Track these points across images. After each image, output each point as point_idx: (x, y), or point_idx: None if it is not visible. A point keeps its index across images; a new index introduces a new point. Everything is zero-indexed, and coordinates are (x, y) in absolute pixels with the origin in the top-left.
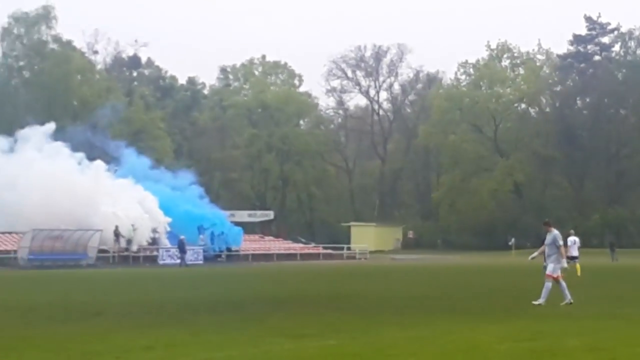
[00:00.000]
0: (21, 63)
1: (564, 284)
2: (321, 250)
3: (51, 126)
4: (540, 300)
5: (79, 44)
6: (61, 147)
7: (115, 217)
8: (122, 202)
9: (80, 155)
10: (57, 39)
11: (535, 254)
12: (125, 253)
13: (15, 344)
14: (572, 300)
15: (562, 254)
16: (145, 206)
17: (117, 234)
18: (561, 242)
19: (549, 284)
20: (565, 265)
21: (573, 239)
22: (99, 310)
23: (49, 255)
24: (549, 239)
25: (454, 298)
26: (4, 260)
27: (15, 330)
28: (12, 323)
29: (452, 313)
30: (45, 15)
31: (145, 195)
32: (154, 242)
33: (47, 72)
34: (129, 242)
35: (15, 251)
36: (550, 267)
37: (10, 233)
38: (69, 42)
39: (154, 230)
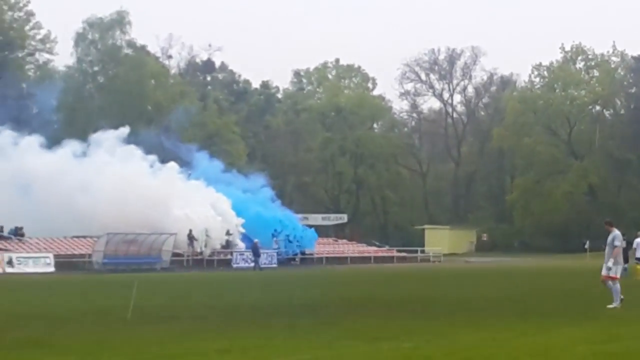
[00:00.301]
0: (95, 68)
1: (618, 286)
2: (395, 253)
3: (124, 130)
4: (615, 304)
5: (153, 48)
6: (134, 150)
7: (188, 219)
8: (194, 204)
9: (153, 158)
10: (131, 44)
11: (610, 262)
12: (200, 257)
13: (91, 348)
14: (619, 305)
15: (614, 253)
16: (218, 208)
17: (191, 237)
18: (618, 243)
19: (616, 286)
20: (611, 265)
21: (639, 240)
22: (174, 314)
23: (123, 259)
24: (609, 239)
25: (528, 300)
26: (78, 264)
27: (91, 334)
28: (88, 327)
29: (526, 315)
30: (120, 21)
31: (218, 197)
32: (228, 245)
33: (121, 77)
34: (206, 245)
35: (89, 255)
36: (614, 268)
37: (84, 237)
38: (143, 47)
39: (228, 233)
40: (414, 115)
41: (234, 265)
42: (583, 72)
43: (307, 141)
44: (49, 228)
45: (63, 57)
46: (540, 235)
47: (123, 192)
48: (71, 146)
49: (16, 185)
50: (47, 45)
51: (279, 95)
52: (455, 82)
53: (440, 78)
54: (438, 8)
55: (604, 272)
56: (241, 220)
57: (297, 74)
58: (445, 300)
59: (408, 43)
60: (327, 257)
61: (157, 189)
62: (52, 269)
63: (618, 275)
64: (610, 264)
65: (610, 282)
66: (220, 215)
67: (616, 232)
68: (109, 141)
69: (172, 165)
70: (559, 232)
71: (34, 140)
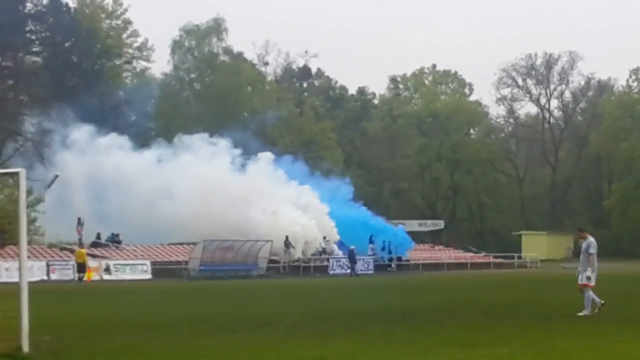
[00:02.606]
0: (192, 75)
1: (590, 294)
2: (492, 260)
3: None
4: (585, 311)
5: (250, 55)
6: (220, 143)
7: (277, 224)
8: (279, 200)
9: (237, 152)
10: (227, 50)
11: (588, 272)
12: (296, 263)
13: (187, 354)
14: (589, 313)
15: (590, 261)
16: (303, 202)
17: (287, 244)
18: (592, 250)
19: (588, 294)
20: (589, 274)
21: None
22: (270, 321)
23: (219, 266)
24: (583, 246)
25: (626, 307)
26: (175, 271)
27: (186, 340)
28: (183, 333)
29: (624, 322)
30: (216, 28)
31: (302, 190)
32: (324, 251)
33: (218, 84)
34: (303, 252)
35: (186, 262)
36: (581, 276)
37: (181, 244)
38: (239, 54)
39: (325, 240)
40: (511, 120)
41: (331, 272)
42: None
43: (404, 147)
44: (130, 234)
45: (160, 65)
46: (638, 240)
47: (206, 191)
48: (157, 148)
49: (95, 185)
50: (144, 53)
51: (376, 101)
52: (552, 87)
53: (537, 83)
54: (534, 13)
55: (582, 281)
56: (332, 224)
57: (393, 79)
58: (541, 307)
59: (504, 48)
60: (423, 264)
61: (240, 186)
62: (149, 276)
63: (593, 284)
64: (588, 272)
65: (588, 291)
66: (307, 207)
67: (591, 239)
68: (197, 143)
69: (266, 155)
70: None
71: (115, 140)
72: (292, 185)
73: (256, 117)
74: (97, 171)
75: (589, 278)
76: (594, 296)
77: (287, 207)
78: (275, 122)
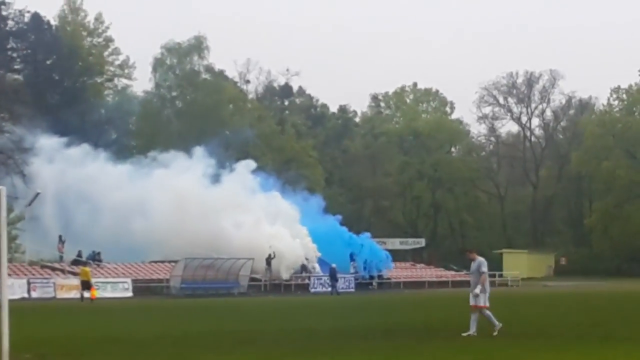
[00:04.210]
0: (173, 93)
1: (476, 315)
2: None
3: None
4: (471, 331)
5: (231, 73)
6: (192, 160)
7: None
8: (256, 215)
9: (211, 162)
10: (209, 68)
11: (477, 290)
12: (277, 281)
13: None
14: (475, 333)
15: (481, 280)
16: (285, 218)
17: (269, 262)
18: (484, 269)
19: (487, 312)
20: (477, 291)
21: None
22: (251, 338)
23: (201, 283)
24: (473, 267)
25: (608, 325)
26: (156, 289)
27: (169, 358)
28: (166, 350)
29: (606, 340)
30: (198, 46)
31: (283, 205)
32: (304, 269)
33: (199, 102)
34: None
35: (167, 280)
36: (481, 296)
37: (162, 262)
38: (221, 72)
39: (307, 260)
40: (492, 139)
41: (312, 290)
42: None
43: (385, 165)
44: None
45: (141, 83)
46: (619, 259)
47: (181, 206)
48: (131, 163)
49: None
50: (126, 71)
51: (357, 120)
52: (533, 105)
53: (518, 102)
54: (516, 31)
55: (472, 302)
56: (313, 245)
57: (374, 98)
58: (524, 325)
59: (486, 67)
60: (404, 282)
61: (215, 197)
62: (130, 293)
63: (488, 304)
64: (477, 290)
65: (483, 311)
66: (286, 224)
67: (481, 259)
68: (171, 158)
69: (247, 163)
70: (638, 257)
71: (85, 150)
72: (266, 196)
73: (237, 134)
74: (64, 183)
75: (477, 296)
76: (492, 318)
77: (265, 223)
78: (256, 140)
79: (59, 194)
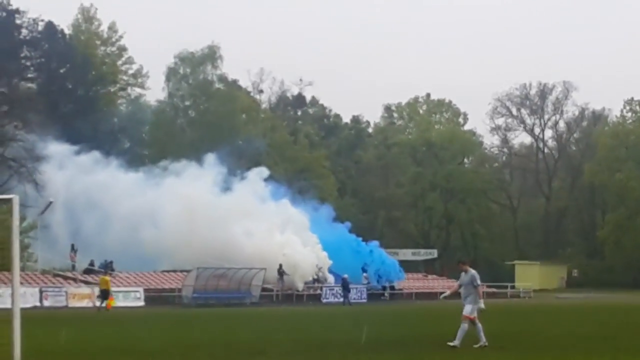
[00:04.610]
0: (187, 103)
1: (479, 325)
2: (485, 289)
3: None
4: (456, 342)
5: (244, 83)
6: (203, 168)
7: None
8: (267, 223)
9: (223, 170)
10: (222, 78)
11: (447, 293)
12: (289, 291)
13: None
14: (486, 343)
15: (479, 294)
16: (295, 225)
17: (280, 272)
18: (479, 282)
19: (465, 325)
20: (482, 306)
21: None
22: (262, 349)
23: (213, 293)
24: (465, 279)
25: (620, 338)
26: (168, 299)
27: None
28: None
29: (617, 353)
30: (211, 55)
31: (293, 213)
32: (318, 279)
33: (212, 111)
34: (282, 277)
35: (179, 289)
36: (467, 308)
37: (174, 271)
38: (234, 82)
39: (319, 268)
40: (505, 150)
41: (324, 300)
42: None
43: (398, 176)
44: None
45: (155, 92)
46: (632, 271)
47: (191, 215)
48: (142, 172)
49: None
50: (139, 80)
51: (370, 130)
52: (546, 117)
53: (531, 113)
54: (529, 43)
55: (472, 314)
56: (324, 253)
57: (387, 108)
58: (535, 337)
59: (499, 78)
60: (416, 293)
61: (224, 206)
62: (142, 303)
63: (475, 315)
64: (481, 304)
65: (467, 322)
66: (298, 233)
67: (473, 271)
68: (183, 167)
69: (260, 170)
70: None
71: (95, 157)
72: (276, 204)
73: (250, 144)
74: (75, 191)
75: (481, 309)
76: (481, 333)
77: (277, 232)
78: (268, 149)
79: (70, 202)
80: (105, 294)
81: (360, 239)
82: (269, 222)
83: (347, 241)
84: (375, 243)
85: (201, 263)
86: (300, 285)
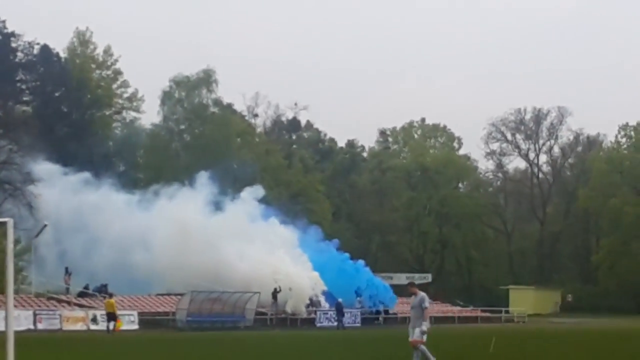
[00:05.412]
0: (182, 126)
1: (423, 347)
2: (479, 313)
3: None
4: None
5: (239, 107)
6: (195, 190)
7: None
8: (258, 244)
9: (214, 190)
10: (217, 102)
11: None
12: (283, 315)
13: None
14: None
15: (425, 316)
16: (283, 242)
17: (275, 295)
18: (427, 305)
19: (418, 352)
20: (424, 328)
21: None
22: None
23: (207, 317)
24: (415, 302)
25: None
26: (162, 322)
27: None
28: None
29: None
30: (206, 79)
31: (281, 230)
32: (313, 303)
33: (208, 135)
34: (276, 301)
35: (173, 313)
36: (416, 332)
37: (168, 294)
38: (229, 106)
39: (314, 294)
40: (500, 175)
41: (318, 324)
42: None
43: (392, 200)
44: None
45: (150, 115)
46: (626, 297)
47: (183, 237)
48: (135, 195)
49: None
50: (134, 104)
51: (365, 154)
52: (541, 142)
53: (526, 138)
54: (523, 68)
55: (418, 337)
56: (316, 274)
57: (382, 133)
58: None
59: (494, 103)
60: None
61: (221, 229)
62: (136, 326)
63: (424, 339)
64: (424, 327)
65: (422, 346)
66: (288, 254)
67: (422, 294)
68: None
69: (255, 189)
70: None
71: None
72: (265, 223)
73: (243, 168)
74: (67, 214)
75: (424, 333)
76: (427, 352)
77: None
78: (262, 173)
79: (62, 224)
80: (111, 317)
81: (348, 255)
82: (260, 242)
83: (334, 259)
84: (361, 262)
85: (193, 286)
86: (302, 310)
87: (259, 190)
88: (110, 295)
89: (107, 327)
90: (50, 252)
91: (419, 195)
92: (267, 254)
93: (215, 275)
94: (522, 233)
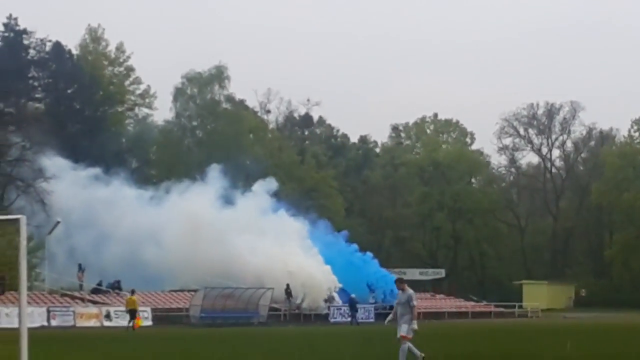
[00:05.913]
0: (194, 123)
1: (410, 344)
2: (493, 309)
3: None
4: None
5: (252, 103)
6: (206, 184)
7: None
8: (270, 238)
9: (225, 183)
10: (229, 98)
11: (391, 317)
12: (297, 311)
13: None
14: (423, 354)
15: (414, 315)
16: (294, 234)
17: (288, 292)
18: (415, 303)
19: (404, 346)
20: (415, 327)
21: None
22: None
23: (220, 313)
24: (402, 298)
25: (626, 357)
26: (176, 318)
27: None
28: None
29: None
30: (218, 76)
31: (290, 222)
32: (329, 300)
33: (220, 131)
34: (302, 300)
35: (187, 309)
36: (404, 328)
37: (182, 291)
38: (241, 102)
39: (330, 291)
40: (512, 170)
41: (331, 320)
42: None
43: (405, 196)
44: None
45: (162, 112)
46: (639, 290)
47: (194, 233)
48: (145, 190)
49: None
50: (147, 100)
51: (377, 150)
52: (554, 136)
53: (539, 133)
54: (536, 63)
55: (407, 333)
56: (327, 267)
57: (395, 128)
58: (543, 357)
59: (506, 98)
60: (424, 312)
61: (233, 222)
62: (149, 322)
63: (411, 335)
64: (414, 325)
65: (407, 343)
66: (299, 246)
67: (411, 291)
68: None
69: (267, 181)
70: None
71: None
72: (275, 216)
73: (256, 164)
74: (79, 210)
75: (414, 330)
76: (414, 349)
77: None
78: (274, 169)
79: (74, 221)
80: (133, 314)
81: (356, 246)
82: (271, 235)
83: (343, 252)
84: (369, 254)
85: (206, 282)
86: (321, 304)
87: (271, 183)
88: (132, 292)
89: (128, 323)
90: (61, 248)
91: (431, 191)
92: (279, 247)
93: (227, 269)
94: (535, 228)
